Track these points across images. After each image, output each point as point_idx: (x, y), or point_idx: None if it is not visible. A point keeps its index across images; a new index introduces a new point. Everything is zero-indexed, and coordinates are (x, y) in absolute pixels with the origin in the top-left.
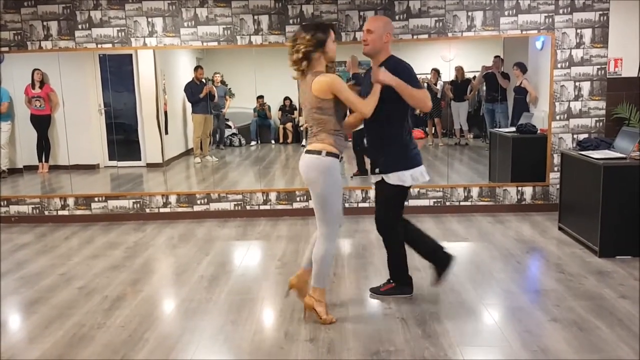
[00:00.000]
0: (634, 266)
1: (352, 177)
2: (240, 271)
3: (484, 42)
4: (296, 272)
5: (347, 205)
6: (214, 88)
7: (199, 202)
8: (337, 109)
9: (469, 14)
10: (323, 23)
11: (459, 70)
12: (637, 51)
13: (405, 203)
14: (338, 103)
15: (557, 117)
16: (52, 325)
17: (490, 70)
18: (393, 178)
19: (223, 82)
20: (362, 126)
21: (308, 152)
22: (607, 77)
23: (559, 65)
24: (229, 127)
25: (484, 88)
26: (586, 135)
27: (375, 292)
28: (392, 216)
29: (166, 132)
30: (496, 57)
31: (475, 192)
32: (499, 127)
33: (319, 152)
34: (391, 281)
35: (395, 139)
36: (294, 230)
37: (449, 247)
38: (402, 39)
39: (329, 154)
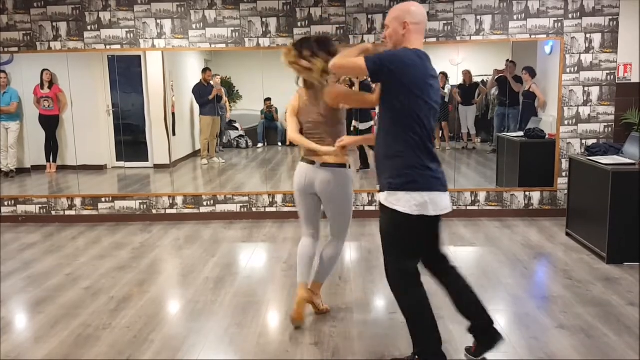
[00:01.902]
0: None
1: (357, 170)
2: (246, 273)
3: (493, 46)
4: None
5: (353, 208)
6: (222, 90)
7: (205, 203)
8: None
9: (478, 17)
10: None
11: (467, 74)
12: None
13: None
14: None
15: (566, 122)
16: (58, 325)
17: (502, 74)
18: (393, 199)
19: (224, 85)
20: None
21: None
22: (617, 82)
23: (567, 70)
24: (236, 129)
25: (493, 92)
26: (595, 141)
27: None
28: (392, 257)
29: (174, 134)
30: (509, 61)
31: (482, 196)
32: (508, 131)
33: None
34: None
35: (398, 153)
36: (300, 233)
37: (456, 252)
38: None
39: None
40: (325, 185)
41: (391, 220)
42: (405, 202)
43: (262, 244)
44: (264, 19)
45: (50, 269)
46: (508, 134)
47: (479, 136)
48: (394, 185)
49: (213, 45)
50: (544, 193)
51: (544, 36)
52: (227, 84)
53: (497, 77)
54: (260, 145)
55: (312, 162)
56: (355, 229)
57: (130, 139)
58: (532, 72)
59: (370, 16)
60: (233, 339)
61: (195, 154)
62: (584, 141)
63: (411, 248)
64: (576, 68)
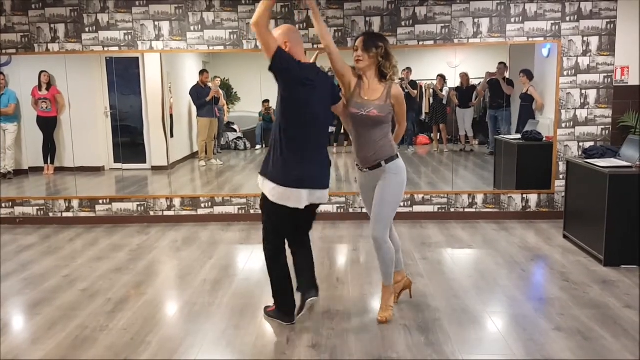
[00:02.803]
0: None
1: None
2: (244, 275)
3: (490, 49)
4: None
5: (351, 210)
6: (220, 91)
7: (203, 205)
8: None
9: (475, 20)
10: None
11: (464, 77)
12: None
13: (409, 209)
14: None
15: (563, 125)
16: (55, 327)
17: (494, 77)
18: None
19: (222, 87)
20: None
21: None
22: (614, 85)
23: (565, 73)
24: (234, 130)
25: (489, 95)
26: (592, 143)
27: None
28: (264, 229)
29: (171, 135)
30: (500, 63)
31: (480, 198)
32: (501, 134)
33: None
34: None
35: (274, 144)
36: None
37: (453, 254)
38: (407, 45)
39: None
40: None
41: (267, 202)
42: (269, 190)
43: (260, 245)
44: None
45: (48, 270)
46: (505, 136)
47: (477, 138)
48: (263, 173)
49: (211, 47)
50: (542, 195)
51: (542, 39)
52: (225, 85)
53: (488, 79)
54: (258, 147)
55: None
56: (352, 230)
57: (128, 140)
58: (529, 75)
59: (368, 18)
60: (230, 341)
61: (193, 155)
62: (581, 144)
63: (278, 226)
64: (573, 71)
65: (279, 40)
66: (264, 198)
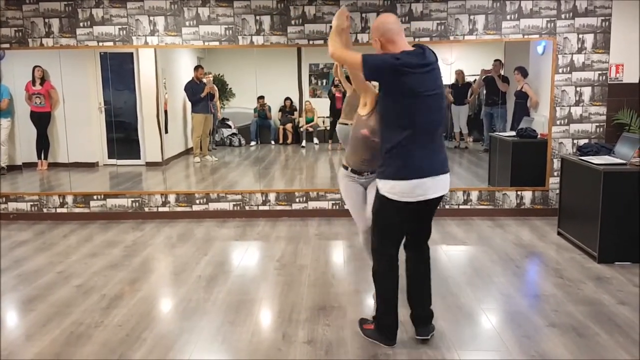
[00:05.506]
0: (633, 272)
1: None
2: (239, 272)
3: (486, 46)
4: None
5: (346, 207)
6: (215, 87)
7: (198, 201)
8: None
9: (471, 17)
10: None
11: (459, 74)
12: (638, 57)
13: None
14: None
15: (558, 122)
16: (49, 324)
17: (489, 74)
18: (380, 185)
19: (217, 82)
20: None
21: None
22: (608, 82)
23: (560, 70)
24: (229, 127)
25: (484, 92)
26: (586, 141)
27: (359, 325)
28: (375, 235)
29: (166, 131)
30: (496, 60)
31: (474, 195)
32: (496, 131)
33: None
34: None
35: (388, 143)
36: (293, 231)
37: (448, 251)
38: None
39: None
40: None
41: (382, 201)
42: (391, 188)
43: (255, 242)
44: (257, 17)
45: (42, 266)
46: (500, 133)
47: (471, 135)
48: (388, 175)
49: (206, 43)
50: (536, 192)
51: (537, 36)
52: (220, 81)
53: (484, 76)
54: (253, 143)
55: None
56: (348, 227)
57: (122, 136)
58: (523, 72)
59: (364, 15)
60: (226, 338)
61: (187, 151)
62: (575, 141)
63: (390, 229)
64: (568, 68)
65: (377, 41)
66: (380, 201)
